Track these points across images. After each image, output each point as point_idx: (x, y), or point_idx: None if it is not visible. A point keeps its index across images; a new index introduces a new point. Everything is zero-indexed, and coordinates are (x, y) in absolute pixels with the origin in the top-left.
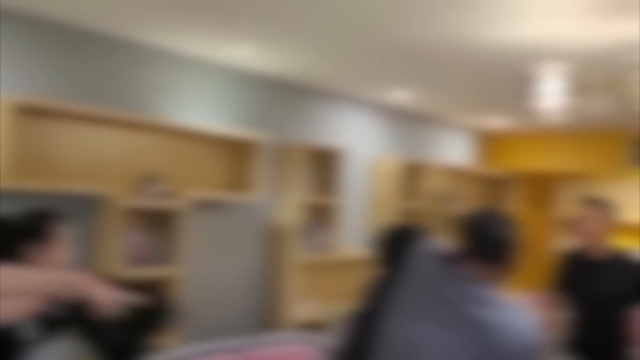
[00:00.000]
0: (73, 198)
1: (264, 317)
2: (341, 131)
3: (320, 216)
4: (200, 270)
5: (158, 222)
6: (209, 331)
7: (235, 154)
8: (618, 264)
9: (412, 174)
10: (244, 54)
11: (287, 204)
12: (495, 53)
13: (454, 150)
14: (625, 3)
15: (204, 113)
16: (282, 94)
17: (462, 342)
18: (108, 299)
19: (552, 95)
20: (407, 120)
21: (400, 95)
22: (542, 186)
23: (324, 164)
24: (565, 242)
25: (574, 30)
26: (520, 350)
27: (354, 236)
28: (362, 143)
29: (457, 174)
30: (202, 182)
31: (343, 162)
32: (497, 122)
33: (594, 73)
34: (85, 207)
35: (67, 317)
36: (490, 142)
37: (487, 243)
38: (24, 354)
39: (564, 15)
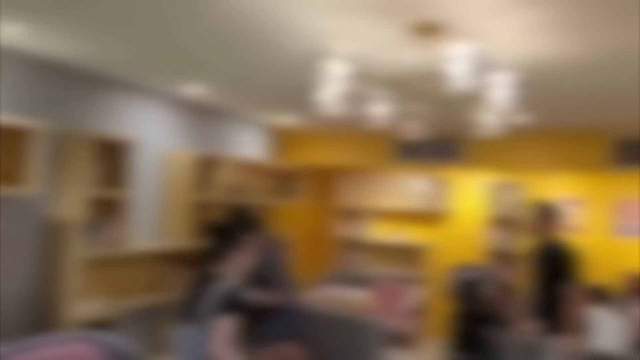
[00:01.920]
0: None
1: (44, 318)
2: (132, 123)
3: (108, 210)
4: None
5: None
6: None
7: (7, 144)
8: None
9: (206, 167)
10: (17, 32)
11: (69, 198)
12: (283, 51)
13: (247, 145)
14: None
15: None
16: (65, 80)
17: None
18: None
19: (333, 94)
20: (202, 115)
21: (195, 89)
22: (326, 179)
23: (112, 157)
24: (345, 230)
25: (355, 30)
26: None
27: (145, 230)
28: (154, 136)
29: (250, 168)
30: None
31: (133, 154)
32: (287, 118)
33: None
34: None
35: None
36: (281, 138)
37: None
38: None
39: (347, 14)
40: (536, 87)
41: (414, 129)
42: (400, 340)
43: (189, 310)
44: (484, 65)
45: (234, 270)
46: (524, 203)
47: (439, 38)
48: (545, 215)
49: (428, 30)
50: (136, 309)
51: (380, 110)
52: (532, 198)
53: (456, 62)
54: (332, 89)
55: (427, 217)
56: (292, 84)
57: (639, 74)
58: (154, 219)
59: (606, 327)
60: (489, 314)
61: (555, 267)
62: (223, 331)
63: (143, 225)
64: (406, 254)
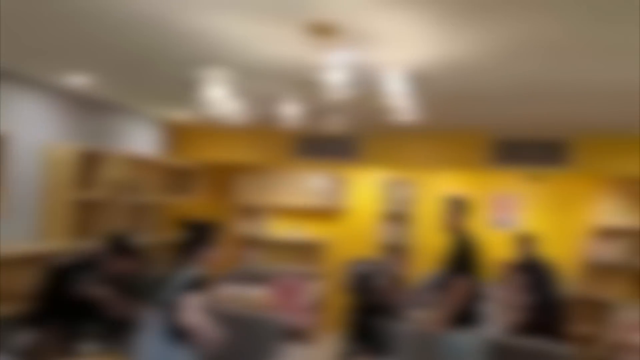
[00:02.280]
0: None
1: None
2: (6, 115)
3: None
4: None
5: None
6: None
7: None
8: None
9: (91, 163)
10: None
11: None
12: (174, 45)
13: (140, 140)
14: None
15: None
16: None
17: None
18: None
19: (217, 96)
20: (88, 108)
21: (80, 80)
22: (223, 176)
23: None
24: (245, 227)
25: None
26: None
27: (22, 230)
28: (33, 129)
29: (142, 164)
30: None
31: (7, 149)
32: (183, 114)
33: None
34: None
35: None
36: (177, 134)
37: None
38: None
39: (241, 12)
40: (425, 88)
41: (334, 122)
42: (298, 335)
43: (156, 294)
44: (373, 67)
45: (202, 261)
46: (416, 198)
47: (332, 38)
48: (456, 209)
49: (320, 30)
50: (10, 318)
51: (288, 110)
52: (434, 194)
53: (333, 70)
54: (217, 89)
55: (325, 213)
56: (185, 79)
57: (517, 77)
58: (32, 219)
59: (490, 315)
60: (382, 305)
61: (459, 260)
62: (195, 305)
63: (18, 225)
64: (305, 250)
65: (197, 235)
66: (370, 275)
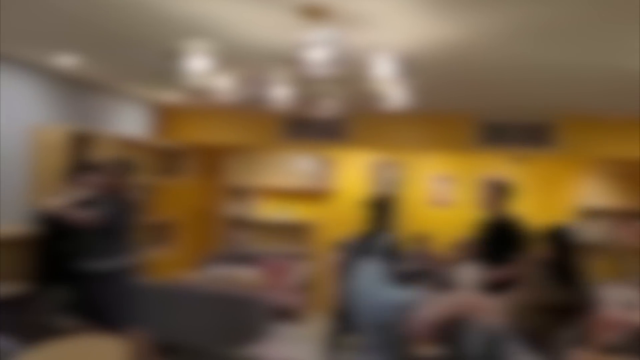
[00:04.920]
0: None
1: None
2: None
3: None
4: None
5: None
6: None
7: None
8: None
9: (81, 144)
10: None
11: None
12: (160, 27)
13: (129, 122)
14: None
15: None
16: None
17: None
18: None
19: (198, 72)
20: (76, 89)
21: (67, 61)
22: (213, 157)
23: None
24: (233, 209)
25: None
26: None
27: (11, 213)
28: (20, 111)
29: (131, 146)
30: None
31: None
32: (170, 95)
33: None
34: None
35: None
36: (166, 115)
37: None
38: None
39: None
40: (414, 71)
41: (328, 107)
42: (287, 314)
43: None
44: (362, 49)
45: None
46: (403, 180)
47: (322, 21)
48: (498, 192)
49: (311, 12)
50: (5, 298)
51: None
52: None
53: (314, 47)
54: (201, 61)
55: (314, 195)
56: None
57: (504, 61)
58: (21, 200)
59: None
60: None
61: (503, 240)
62: None
63: (8, 206)
64: (293, 232)
65: None
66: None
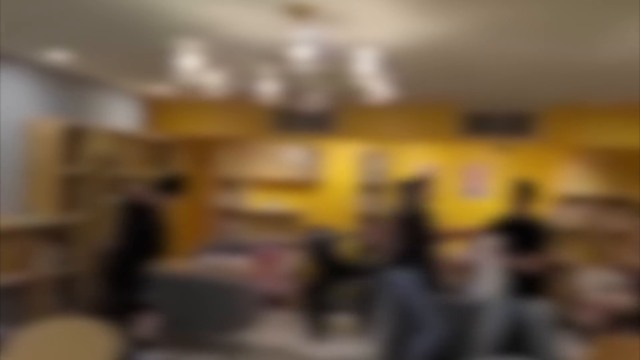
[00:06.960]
0: None
1: None
2: None
3: None
4: None
5: None
6: None
7: None
8: None
9: (74, 138)
10: None
11: None
12: (150, 23)
13: (119, 115)
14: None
15: None
16: None
17: None
18: None
19: (189, 69)
20: (69, 83)
21: (59, 56)
22: (203, 149)
23: None
24: (224, 200)
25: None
26: None
27: (7, 205)
28: (13, 105)
29: (123, 139)
30: None
31: None
32: (160, 88)
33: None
34: None
35: None
36: (156, 108)
37: None
38: None
39: None
40: (399, 64)
41: (315, 100)
42: (277, 302)
43: None
44: (347, 45)
45: None
46: (390, 170)
47: (307, 18)
48: (523, 193)
49: (296, 10)
50: None
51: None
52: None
53: (300, 45)
54: (191, 59)
55: (303, 185)
56: (162, 54)
57: (487, 54)
58: (16, 193)
59: None
60: (340, 269)
61: (528, 238)
62: None
63: (3, 200)
64: (283, 221)
65: None
66: (325, 242)
